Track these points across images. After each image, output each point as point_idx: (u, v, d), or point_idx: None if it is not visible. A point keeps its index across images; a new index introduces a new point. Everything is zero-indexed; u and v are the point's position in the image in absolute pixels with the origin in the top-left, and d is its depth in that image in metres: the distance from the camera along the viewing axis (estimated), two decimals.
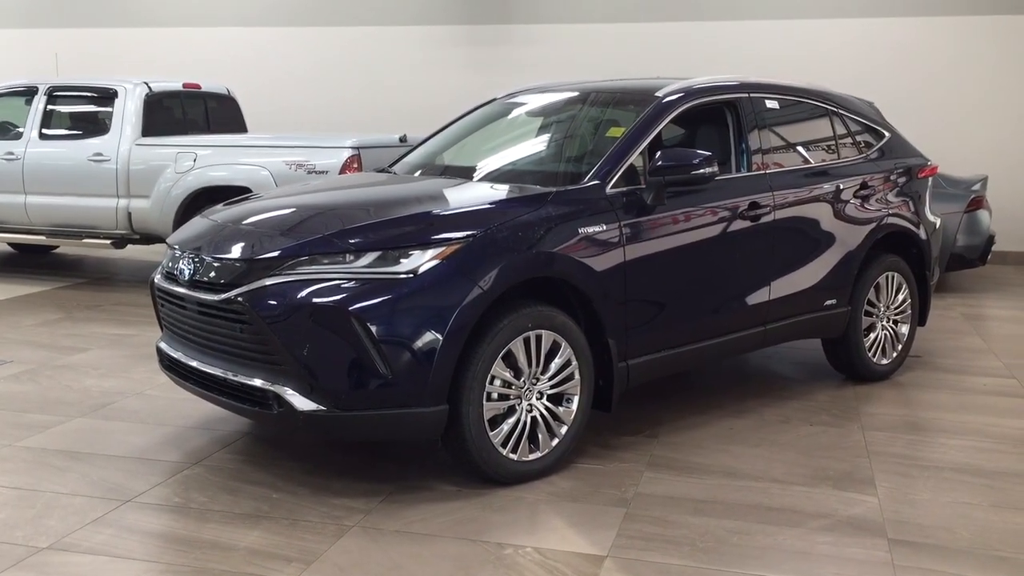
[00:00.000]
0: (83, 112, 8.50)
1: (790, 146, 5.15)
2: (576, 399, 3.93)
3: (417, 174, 4.87)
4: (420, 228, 3.73)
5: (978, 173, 8.96)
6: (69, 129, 8.47)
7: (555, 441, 3.89)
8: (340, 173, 6.98)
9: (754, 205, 4.63)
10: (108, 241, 8.09)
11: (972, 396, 5.20)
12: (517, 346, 3.71)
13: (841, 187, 5.14)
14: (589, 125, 4.89)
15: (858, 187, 5.24)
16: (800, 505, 3.67)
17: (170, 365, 4.15)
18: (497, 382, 3.69)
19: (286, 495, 3.70)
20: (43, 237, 8.41)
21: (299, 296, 3.51)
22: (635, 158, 4.26)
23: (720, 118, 4.84)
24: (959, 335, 6.71)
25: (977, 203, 8.32)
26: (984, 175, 8.78)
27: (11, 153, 8.25)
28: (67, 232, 8.26)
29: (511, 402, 3.75)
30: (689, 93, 4.65)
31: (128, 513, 3.53)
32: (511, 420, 3.75)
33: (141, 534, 3.37)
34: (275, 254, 3.65)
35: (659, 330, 4.29)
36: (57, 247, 9.88)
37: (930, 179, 5.85)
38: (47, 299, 7.67)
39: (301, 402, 3.51)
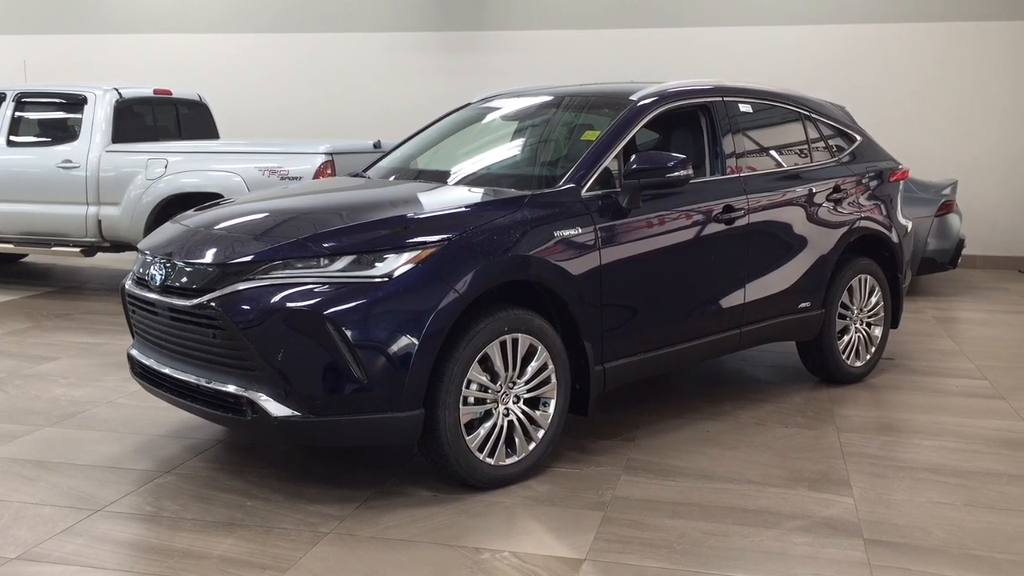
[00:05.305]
0: (52, 119, 8.39)
1: (764, 150, 5.18)
2: (553, 403, 3.92)
3: (391, 179, 4.85)
4: (395, 232, 3.70)
5: (948, 177, 9.07)
6: (38, 136, 8.36)
7: (532, 445, 3.87)
8: (314, 179, 6.94)
9: (728, 208, 4.65)
10: (78, 249, 7.99)
11: (945, 397, 5.25)
12: (493, 350, 3.70)
13: (814, 190, 5.18)
14: (564, 129, 4.89)
15: (831, 191, 5.28)
16: (776, 506, 3.68)
17: (142, 372, 4.09)
18: (473, 386, 3.67)
19: (260, 502, 3.66)
20: (11, 245, 8.29)
21: (273, 301, 3.47)
22: (610, 161, 4.26)
23: (694, 122, 4.86)
24: (931, 337, 6.78)
25: (947, 207, 8.42)
26: (954, 180, 8.89)
27: None
28: (36, 240, 8.15)
29: (488, 406, 3.73)
30: (663, 96, 4.67)
31: (99, 522, 3.47)
32: (488, 424, 3.73)
33: (112, 543, 3.32)
34: (248, 259, 3.61)
35: (635, 333, 4.29)
36: (26, 255, 9.76)
37: (901, 183, 5.91)
38: (15, 308, 7.55)
39: (275, 408, 3.47)
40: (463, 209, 3.97)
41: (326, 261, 3.55)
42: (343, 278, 3.51)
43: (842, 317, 5.35)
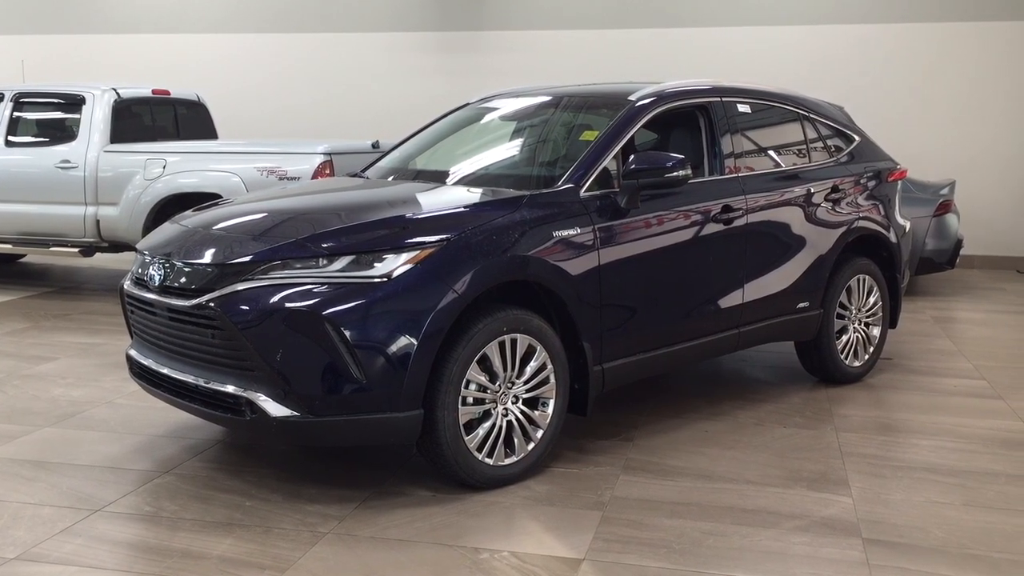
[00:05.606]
0: (50, 119, 8.39)
1: (762, 150, 5.18)
2: (552, 403, 3.92)
3: (390, 179, 4.85)
4: (394, 232, 3.70)
5: (947, 178, 9.08)
6: (36, 136, 8.36)
7: (531, 445, 3.88)
8: (312, 179, 6.94)
9: (727, 208, 4.65)
10: (76, 249, 7.98)
11: (943, 397, 5.25)
12: (492, 350, 3.70)
13: (812, 191, 5.18)
14: (562, 129, 4.89)
15: (829, 191, 5.28)
16: (775, 506, 3.68)
17: (140, 373, 4.09)
18: (472, 386, 3.67)
19: (259, 502, 3.66)
20: (10, 246, 8.29)
21: (272, 301, 3.47)
22: (609, 161, 4.26)
23: (693, 122, 4.86)
24: (929, 337, 6.78)
25: (946, 207, 8.42)
26: (952, 180, 8.90)
27: None
28: (34, 240, 8.15)
29: (486, 406, 3.73)
30: (662, 97, 4.67)
31: (98, 523, 3.48)
32: (486, 424, 3.73)
33: (111, 543, 3.32)
34: (247, 259, 3.61)
35: (634, 334, 4.29)
36: (24, 256, 9.75)
37: (899, 183, 5.91)
38: (14, 308, 7.55)
39: (274, 408, 3.48)
40: (462, 209, 3.98)
41: (325, 261, 3.55)
42: (342, 278, 3.51)
43: (840, 317, 5.36)
